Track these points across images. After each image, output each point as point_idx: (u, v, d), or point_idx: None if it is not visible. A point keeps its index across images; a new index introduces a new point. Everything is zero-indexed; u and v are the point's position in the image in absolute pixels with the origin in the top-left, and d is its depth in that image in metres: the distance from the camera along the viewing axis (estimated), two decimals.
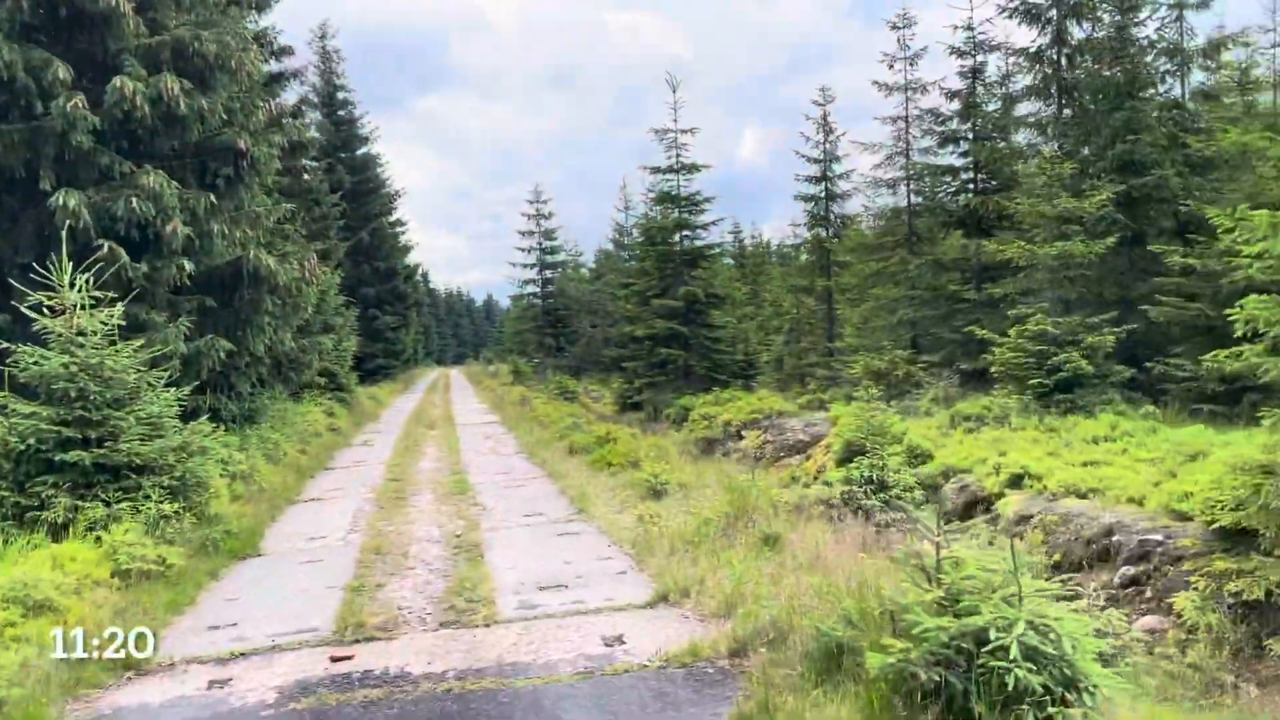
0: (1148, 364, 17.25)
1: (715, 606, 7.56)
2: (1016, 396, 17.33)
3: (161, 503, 10.49)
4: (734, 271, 45.20)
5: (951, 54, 24.58)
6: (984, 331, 18.68)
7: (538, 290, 54.47)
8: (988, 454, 14.70)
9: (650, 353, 32.11)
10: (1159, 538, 9.88)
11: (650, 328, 31.44)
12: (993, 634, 4.66)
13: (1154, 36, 20.28)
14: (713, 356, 32.01)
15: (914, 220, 26.47)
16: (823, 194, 31.25)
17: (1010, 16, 22.23)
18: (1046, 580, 5.33)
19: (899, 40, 26.59)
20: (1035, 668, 4.56)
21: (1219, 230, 9.03)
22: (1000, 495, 13.03)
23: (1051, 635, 4.69)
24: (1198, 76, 20.93)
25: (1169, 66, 20.95)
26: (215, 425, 15.50)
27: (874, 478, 12.87)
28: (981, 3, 24.13)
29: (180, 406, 12.12)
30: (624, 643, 7.05)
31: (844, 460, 17.24)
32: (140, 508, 10.29)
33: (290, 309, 18.90)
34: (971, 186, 24.34)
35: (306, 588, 9.40)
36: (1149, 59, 20.82)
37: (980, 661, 4.66)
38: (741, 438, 23.77)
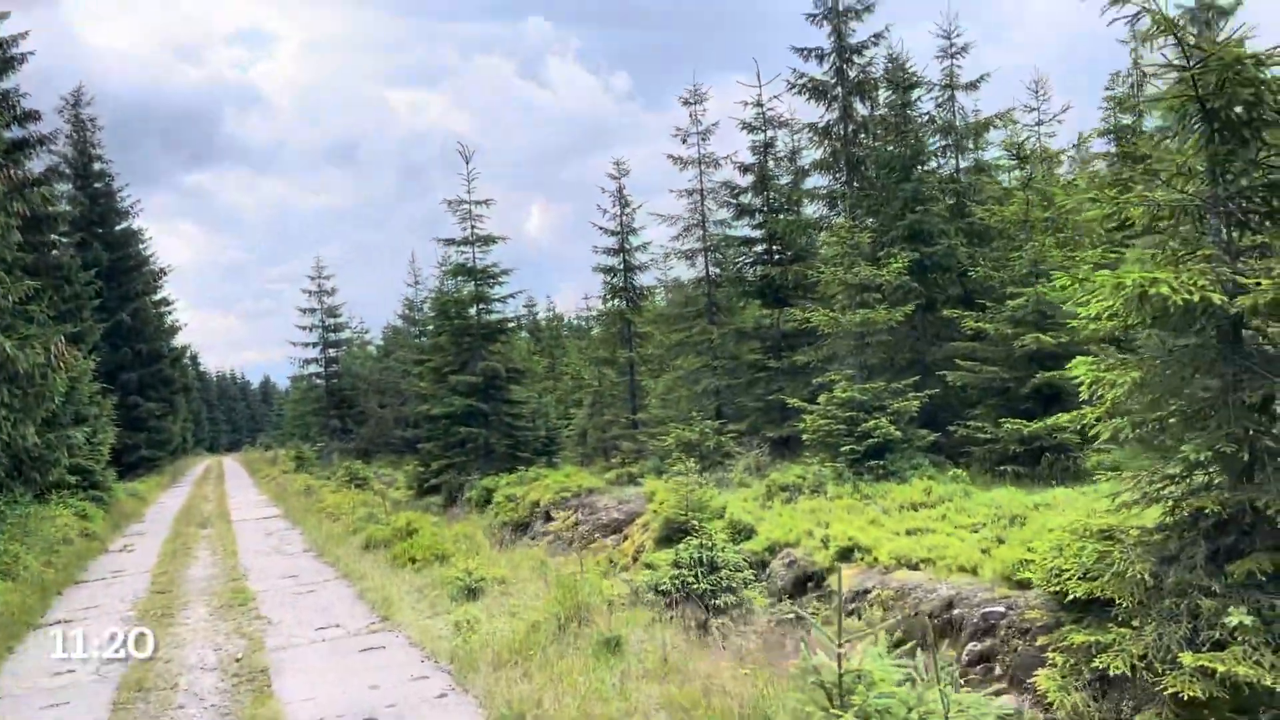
0: (949, 427, 17.62)
1: None
2: (830, 464, 17.25)
3: None
4: (531, 345, 44.38)
5: (743, 129, 25.09)
6: (794, 400, 18.63)
7: (321, 369, 51.53)
8: (810, 526, 14.38)
9: (448, 432, 30.60)
10: (1001, 609, 9.63)
11: (448, 405, 30.00)
12: None
13: (933, 113, 21.39)
14: (515, 434, 30.86)
15: (714, 291, 26.61)
16: (621, 265, 31.05)
17: (799, 93, 22.95)
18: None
19: (691, 115, 26.95)
20: None
21: (1055, 290, 9.00)
22: (831, 570, 12.63)
23: None
24: (972, 152, 22.18)
25: (945, 143, 22.10)
26: None
27: (704, 559, 12.14)
28: (771, 79, 24.76)
29: None
30: None
31: (664, 539, 16.53)
32: None
33: (33, 399, 16.47)
34: (767, 257, 24.74)
35: None
36: (925, 136, 21.86)
37: None
38: (551, 519, 22.71)
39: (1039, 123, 21.12)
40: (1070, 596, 8.17)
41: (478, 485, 27.79)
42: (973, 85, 22.20)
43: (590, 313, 55.16)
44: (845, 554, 12.63)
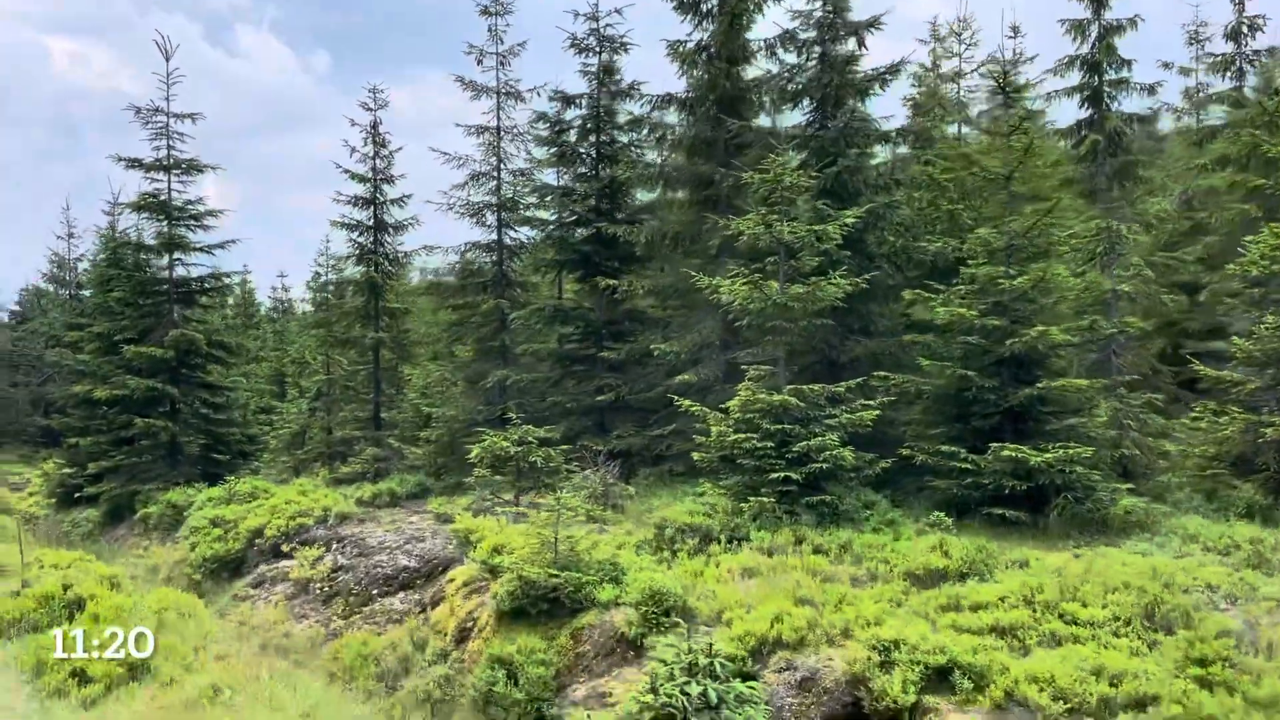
0: (902, 449, 12.78)
1: None
2: (753, 498, 11.81)
3: None
4: (229, 318, 35.49)
5: (572, 49, 19.21)
6: (690, 403, 13.00)
7: None
8: (790, 607, 8.91)
9: (115, 422, 22.06)
10: None
11: (120, 387, 21.50)
12: None
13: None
14: (212, 429, 22.86)
15: (508, 258, 20.46)
16: (372, 221, 23.78)
17: None
18: None
19: (491, 30, 20.63)
20: None
21: None
22: (918, 709, 7.16)
23: None
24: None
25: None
26: None
27: (705, 694, 6.30)
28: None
29: None
30: None
31: (518, 612, 10.41)
32: None
33: None
34: (598, 216, 18.90)
35: None
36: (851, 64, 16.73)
37: None
38: (285, 556, 15.57)
39: (958, 73, 16.94)
40: None
41: (161, 500, 19.75)
42: (871, 25, 17.54)
43: (287, 294, 46.93)
44: (938, 677, 7.24)
